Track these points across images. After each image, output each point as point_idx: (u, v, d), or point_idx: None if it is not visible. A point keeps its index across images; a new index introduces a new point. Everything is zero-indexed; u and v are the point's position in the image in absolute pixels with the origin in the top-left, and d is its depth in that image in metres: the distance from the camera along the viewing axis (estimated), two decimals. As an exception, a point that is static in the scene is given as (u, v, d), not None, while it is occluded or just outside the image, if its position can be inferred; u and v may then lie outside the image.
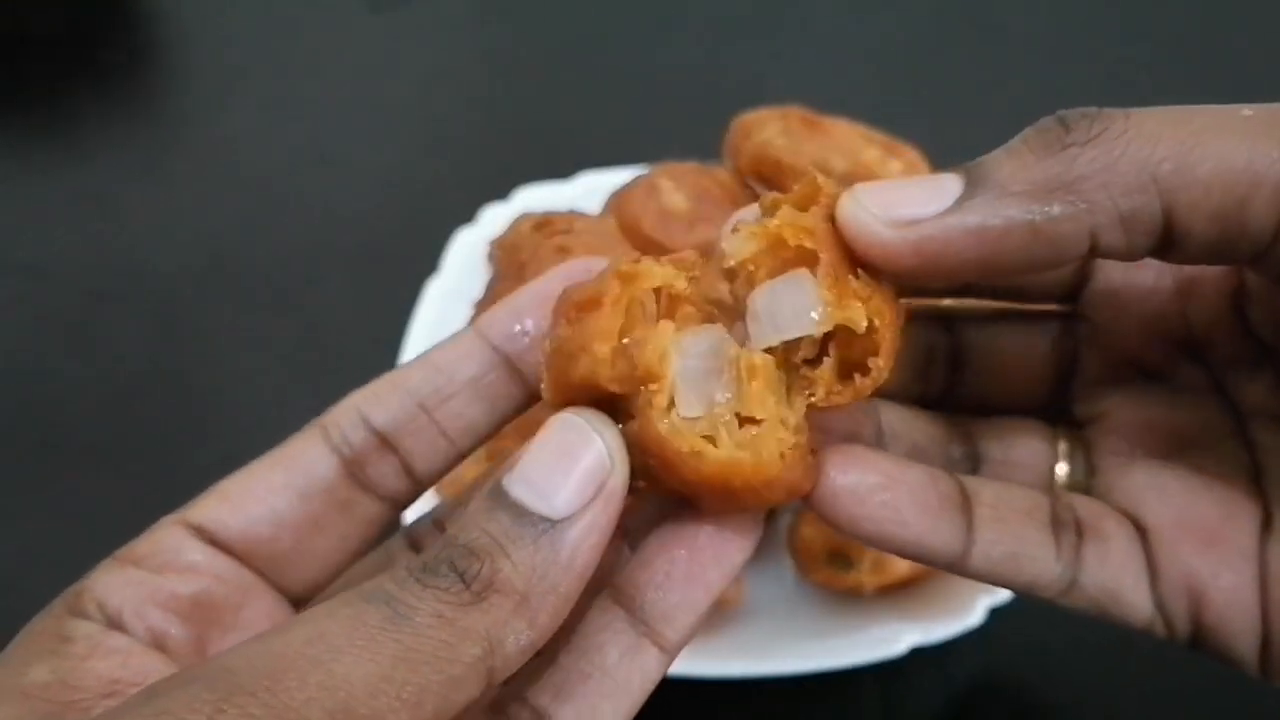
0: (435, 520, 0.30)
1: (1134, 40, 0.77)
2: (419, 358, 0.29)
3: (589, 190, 0.57)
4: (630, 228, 0.51)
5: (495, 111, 0.74)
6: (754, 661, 0.46)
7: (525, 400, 0.29)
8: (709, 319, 0.26)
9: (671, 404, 0.24)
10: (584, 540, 0.23)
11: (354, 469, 0.28)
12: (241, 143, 0.73)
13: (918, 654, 0.46)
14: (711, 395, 0.25)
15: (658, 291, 0.25)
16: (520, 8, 0.82)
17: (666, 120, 0.71)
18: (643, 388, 0.24)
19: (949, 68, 0.76)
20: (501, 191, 0.59)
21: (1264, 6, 0.79)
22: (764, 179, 0.53)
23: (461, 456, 0.29)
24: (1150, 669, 0.50)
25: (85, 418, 0.59)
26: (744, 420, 0.24)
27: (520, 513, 0.23)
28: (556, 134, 0.71)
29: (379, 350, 0.54)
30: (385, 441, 0.28)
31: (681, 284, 0.25)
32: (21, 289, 0.65)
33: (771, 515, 0.51)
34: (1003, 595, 0.46)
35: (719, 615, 0.47)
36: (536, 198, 0.58)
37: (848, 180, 0.54)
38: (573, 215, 0.52)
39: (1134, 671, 0.49)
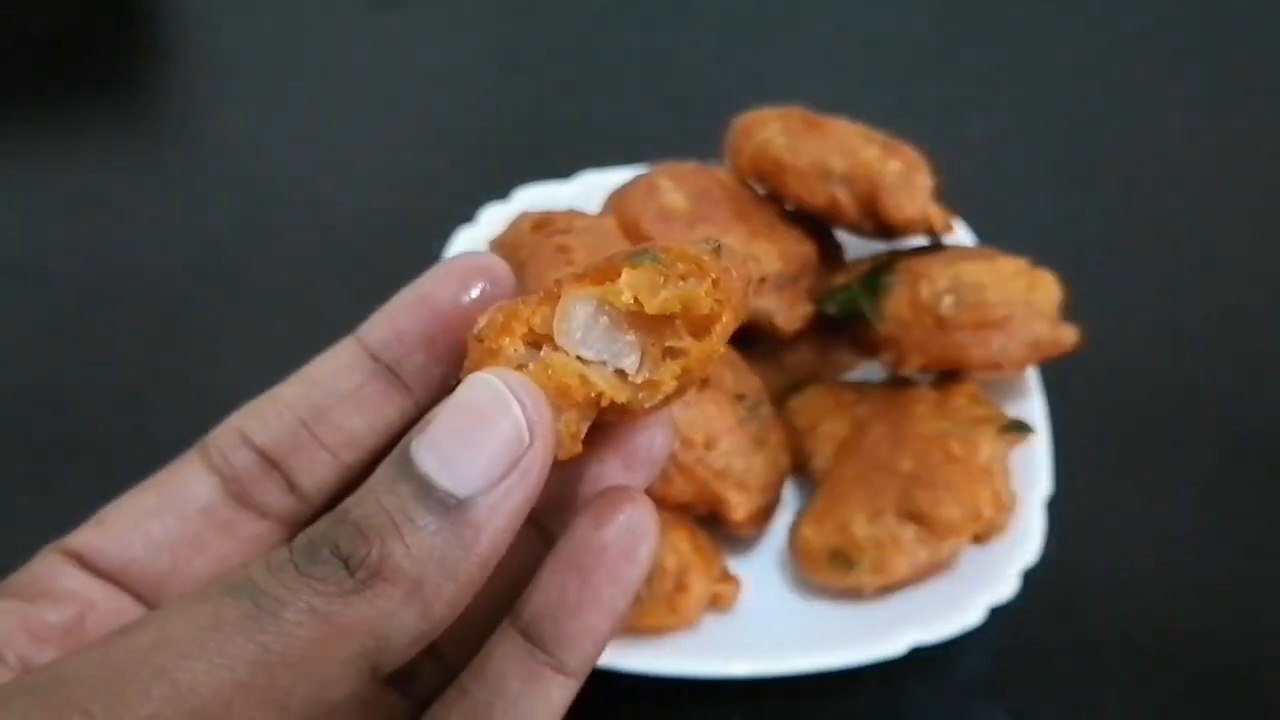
0: None
1: (1134, 40, 0.77)
2: (298, 373, 0.28)
3: (589, 190, 0.57)
4: (630, 227, 0.51)
5: (495, 111, 0.74)
6: (754, 661, 0.46)
7: (409, 408, 0.28)
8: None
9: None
10: (491, 523, 0.21)
11: (235, 489, 0.27)
12: (241, 143, 0.72)
13: (918, 653, 0.46)
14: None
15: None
16: (520, 7, 0.82)
17: (666, 120, 0.71)
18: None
19: (949, 68, 0.76)
20: (501, 191, 0.59)
21: (1264, 6, 0.79)
22: (764, 178, 0.53)
23: (348, 470, 0.28)
24: (1150, 669, 0.50)
25: (85, 417, 0.59)
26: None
27: (423, 486, 0.21)
28: (556, 133, 0.71)
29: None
30: (267, 459, 0.27)
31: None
32: (21, 289, 0.65)
33: (770, 517, 0.51)
34: (1003, 595, 0.46)
35: (718, 615, 0.47)
36: (536, 197, 0.58)
37: (848, 180, 0.54)
38: (572, 214, 0.52)
39: (1134, 671, 0.49)
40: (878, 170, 0.51)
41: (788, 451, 0.51)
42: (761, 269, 0.51)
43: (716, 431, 0.48)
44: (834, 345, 0.54)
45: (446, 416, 0.22)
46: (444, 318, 0.27)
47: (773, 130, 0.53)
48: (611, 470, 0.27)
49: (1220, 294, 0.63)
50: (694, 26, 0.79)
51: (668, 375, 0.24)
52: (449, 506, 0.21)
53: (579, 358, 0.24)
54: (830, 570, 0.47)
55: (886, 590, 0.47)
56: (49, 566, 0.26)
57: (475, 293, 0.27)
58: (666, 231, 0.51)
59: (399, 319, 0.27)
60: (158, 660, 0.20)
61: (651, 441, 0.27)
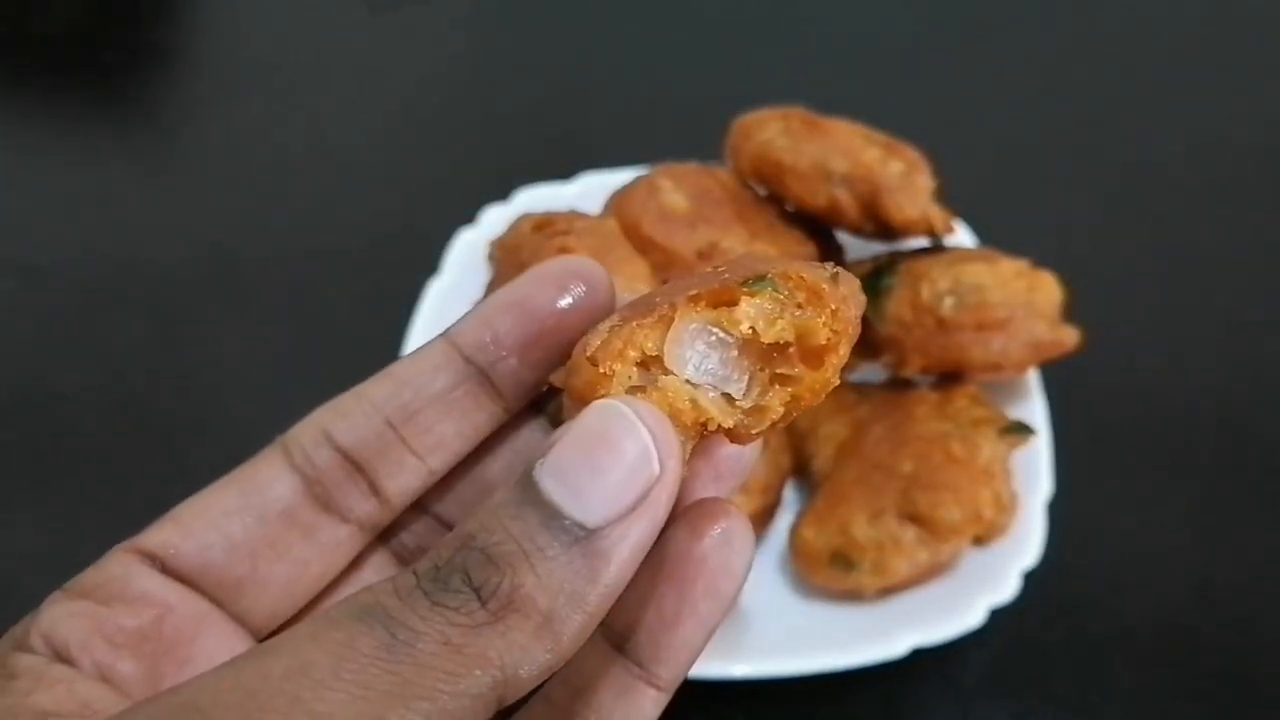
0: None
1: (1135, 41, 0.77)
2: (386, 371, 0.27)
3: (589, 191, 0.57)
4: (630, 228, 0.51)
5: (495, 112, 0.74)
6: (755, 663, 0.46)
7: (498, 413, 0.27)
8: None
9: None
10: (619, 553, 0.21)
11: (318, 490, 0.26)
12: (241, 143, 0.72)
13: (919, 655, 0.46)
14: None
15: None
16: (520, 8, 0.82)
17: (667, 121, 0.71)
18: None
19: (949, 68, 0.76)
20: (502, 192, 0.59)
21: (1265, 7, 0.79)
22: (764, 180, 0.53)
23: (434, 475, 0.27)
24: (1150, 669, 0.50)
25: (85, 418, 0.59)
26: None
27: (551, 514, 0.20)
28: (557, 135, 0.71)
29: (379, 351, 0.53)
30: (351, 461, 0.26)
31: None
32: (21, 289, 0.65)
33: (771, 518, 0.51)
34: (1004, 597, 0.46)
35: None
36: (537, 198, 0.58)
37: (849, 181, 0.54)
38: (573, 215, 0.52)
39: (1134, 671, 0.49)
40: (878, 171, 0.51)
41: (788, 453, 0.51)
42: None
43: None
44: (834, 346, 0.54)
45: (573, 442, 0.21)
46: (541, 322, 0.26)
47: (773, 131, 0.53)
48: (702, 480, 0.26)
49: (1220, 295, 0.63)
50: (695, 28, 0.79)
51: (777, 402, 0.23)
52: (577, 537, 0.20)
53: (689, 381, 0.23)
54: (831, 571, 0.47)
55: (887, 592, 0.47)
56: (122, 566, 0.25)
57: (572, 298, 0.26)
58: (667, 232, 0.51)
59: (494, 321, 0.26)
60: (293, 688, 0.19)
61: (740, 451, 0.26)
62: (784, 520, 0.50)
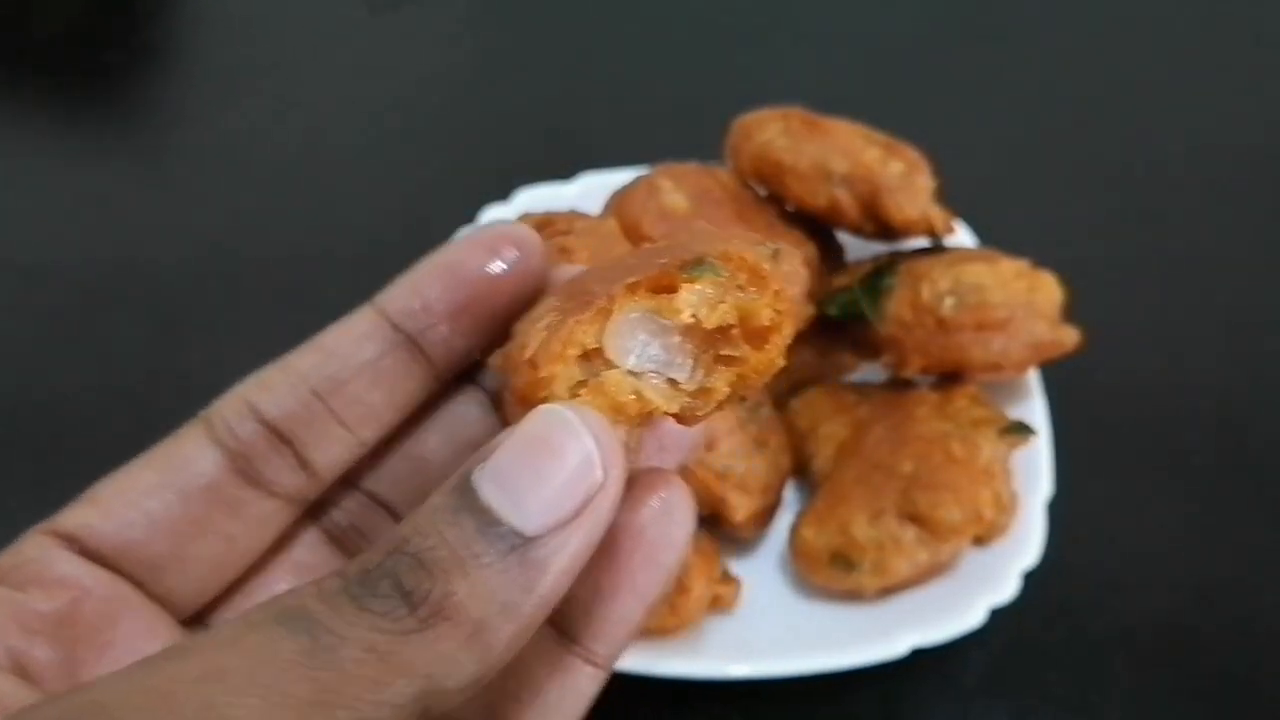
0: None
1: (1135, 41, 0.77)
2: (312, 341, 0.26)
3: (590, 191, 0.57)
4: (630, 228, 0.51)
5: (495, 112, 0.74)
6: (754, 662, 0.46)
7: (429, 382, 0.26)
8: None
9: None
10: (557, 563, 0.20)
11: (242, 465, 0.25)
12: (241, 143, 0.72)
13: (919, 655, 0.46)
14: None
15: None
16: (520, 8, 0.82)
17: (667, 121, 0.71)
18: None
19: (949, 68, 0.76)
20: (502, 192, 0.59)
21: (1264, 8, 0.79)
22: (765, 180, 0.53)
23: (364, 447, 0.26)
24: (1150, 669, 0.50)
25: (85, 418, 0.59)
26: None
27: (488, 520, 0.20)
28: (557, 135, 0.71)
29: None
30: (277, 434, 0.25)
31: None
32: (21, 289, 0.65)
33: (771, 518, 0.51)
34: (1004, 596, 0.46)
35: (719, 616, 0.47)
36: (537, 198, 0.58)
37: (849, 181, 0.54)
38: (573, 215, 0.52)
39: (1134, 671, 0.49)
40: (879, 171, 0.51)
41: (789, 453, 0.51)
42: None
43: (717, 433, 0.48)
44: (835, 347, 0.54)
45: (514, 447, 0.20)
46: (472, 288, 0.25)
47: (773, 131, 0.53)
48: (646, 452, 0.26)
49: (1220, 295, 0.63)
50: (694, 28, 0.79)
51: (721, 383, 0.23)
52: (514, 545, 0.19)
53: (631, 370, 0.23)
54: (831, 571, 0.47)
55: (887, 591, 0.47)
56: (38, 549, 0.24)
57: (504, 263, 0.25)
58: (667, 233, 0.51)
59: (424, 287, 0.26)
60: (207, 693, 0.18)
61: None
62: (784, 520, 0.50)
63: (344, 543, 0.27)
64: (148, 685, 0.18)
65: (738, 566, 0.49)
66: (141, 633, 0.24)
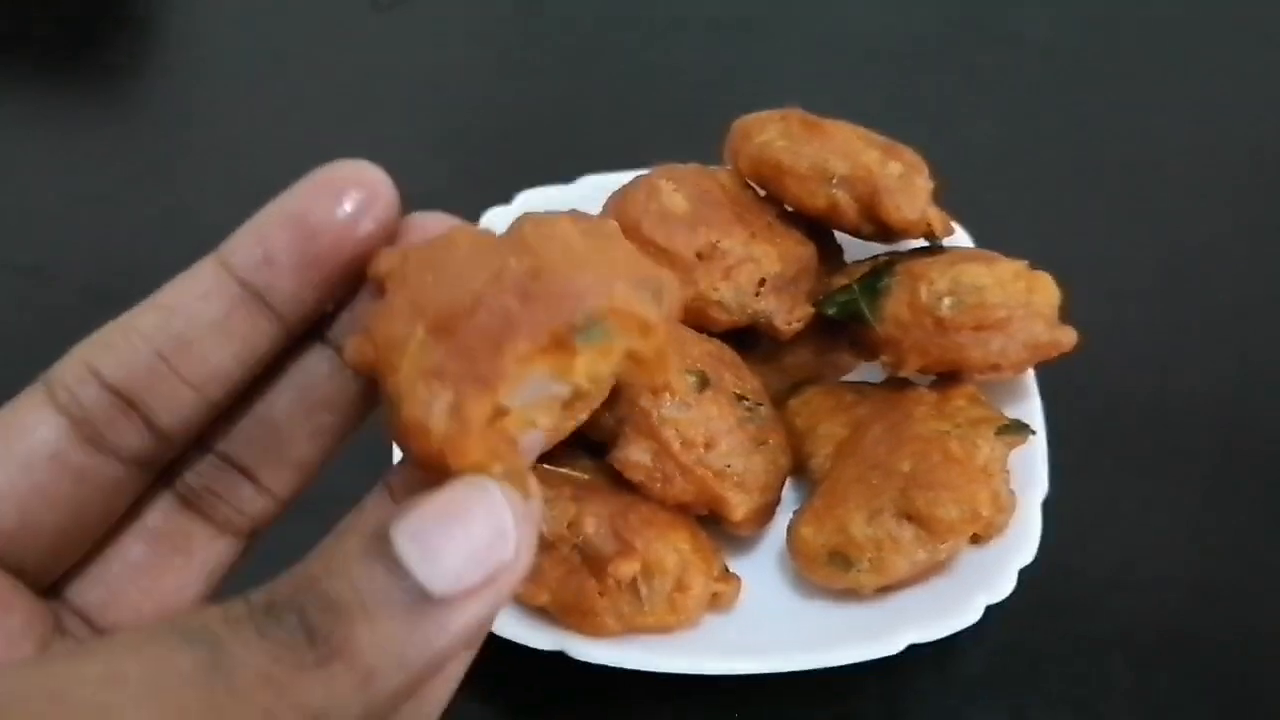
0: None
1: (1134, 41, 0.77)
2: (152, 299, 0.25)
3: (590, 192, 0.57)
4: (631, 229, 0.52)
5: (496, 114, 0.74)
6: (754, 660, 0.46)
7: (278, 336, 0.25)
8: None
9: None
10: (456, 626, 0.20)
11: (87, 431, 0.24)
12: (242, 143, 0.73)
13: (916, 652, 0.46)
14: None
15: None
16: (522, 9, 0.82)
17: (667, 123, 0.72)
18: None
19: (949, 70, 0.76)
20: (504, 194, 0.59)
21: (1265, 10, 0.79)
22: (764, 181, 0.54)
23: (213, 407, 0.25)
24: (1149, 669, 0.50)
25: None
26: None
27: (398, 574, 0.20)
28: (558, 137, 0.72)
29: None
30: (121, 397, 0.24)
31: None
32: (21, 289, 0.65)
33: (770, 517, 0.51)
34: (1001, 595, 0.47)
35: (718, 614, 0.48)
36: (538, 199, 0.58)
37: (848, 182, 0.55)
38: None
39: (1133, 671, 0.50)
40: (877, 173, 0.51)
41: (787, 452, 0.51)
42: (761, 271, 0.51)
43: (716, 432, 0.48)
44: (833, 347, 0.55)
45: (432, 509, 0.21)
46: (319, 238, 0.25)
47: (772, 133, 0.53)
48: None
49: (1219, 296, 0.63)
50: (694, 29, 0.79)
51: (605, 371, 0.24)
52: (418, 601, 0.20)
53: (526, 405, 0.24)
54: (829, 570, 0.47)
55: (885, 589, 0.47)
56: None
57: (351, 206, 0.25)
58: (667, 233, 0.51)
59: (269, 239, 0.25)
60: (104, 698, 0.18)
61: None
62: (783, 519, 0.50)
63: (198, 506, 0.27)
64: (44, 685, 0.18)
65: (736, 565, 0.49)
66: None
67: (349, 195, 0.25)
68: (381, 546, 0.20)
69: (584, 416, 0.25)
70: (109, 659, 0.19)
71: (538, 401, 0.24)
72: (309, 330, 0.27)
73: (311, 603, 0.20)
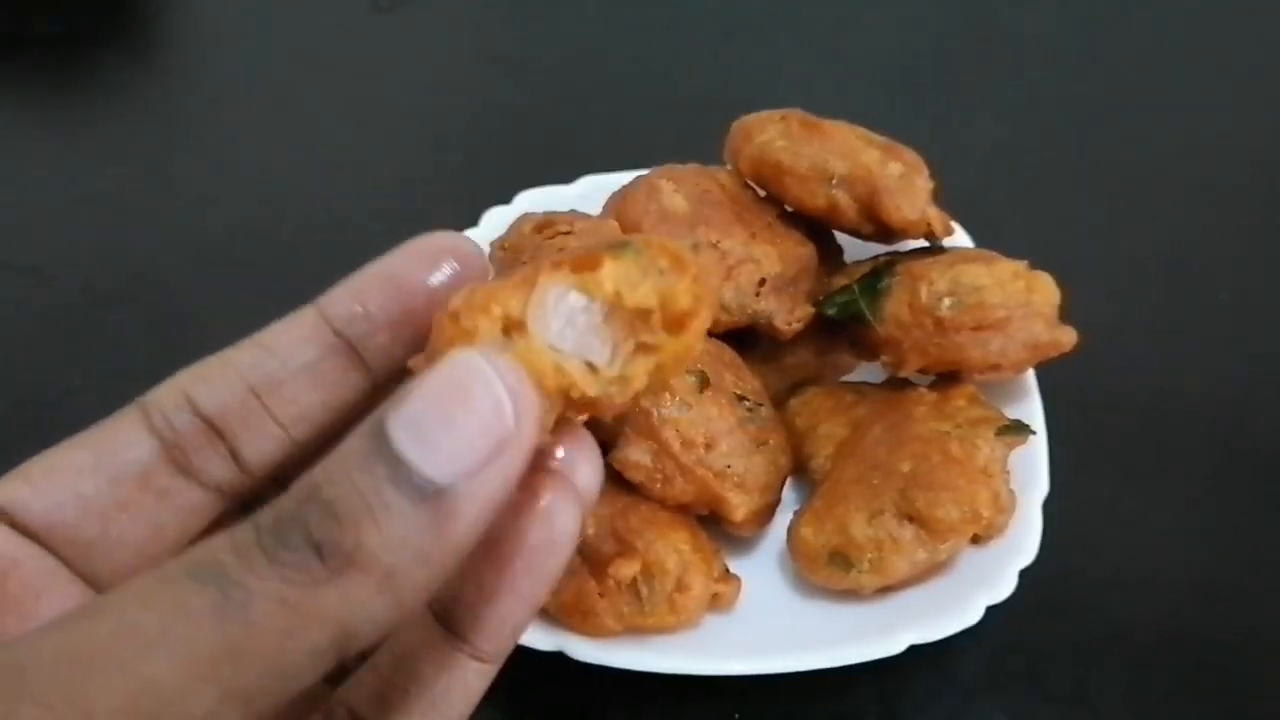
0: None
1: (1134, 42, 0.78)
2: (253, 338, 0.27)
3: (590, 192, 0.57)
4: (631, 229, 0.52)
5: (497, 114, 0.74)
6: (754, 661, 0.46)
7: (365, 387, 0.26)
8: None
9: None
10: (469, 510, 0.20)
11: (176, 454, 0.25)
12: (242, 143, 0.73)
13: (916, 653, 0.46)
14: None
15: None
16: (523, 10, 0.82)
17: (667, 124, 0.72)
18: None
19: (949, 70, 0.76)
20: (504, 194, 0.59)
21: (1264, 10, 0.79)
22: (764, 181, 0.54)
23: (296, 446, 0.26)
24: (1149, 669, 0.50)
25: (85, 418, 0.59)
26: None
27: (399, 468, 0.20)
28: (558, 137, 0.72)
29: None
30: (212, 426, 0.25)
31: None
32: (22, 289, 0.65)
33: (770, 517, 0.51)
34: (1001, 595, 0.47)
35: (718, 615, 0.48)
36: (538, 200, 0.58)
37: (848, 183, 0.55)
38: (574, 217, 0.52)
39: (1133, 671, 0.50)
40: (877, 173, 0.51)
41: (788, 452, 0.51)
42: (761, 271, 0.51)
43: (717, 432, 0.48)
44: (833, 347, 0.55)
45: (426, 393, 0.20)
46: (412, 298, 0.26)
47: (773, 133, 0.53)
48: (560, 444, 0.25)
49: (1218, 296, 0.63)
50: (695, 29, 0.79)
51: (640, 370, 0.23)
52: (426, 493, 0.20)
53: (551, 346, 0.23)
54: (829, 570, 0.47)
55: (885, 590, 0.47)
56: None
57: (445, 274, 0.26)
58: (667, 234, 0.51)
59: (366, 295, 0.26)
60: (119, 650, 0.18)
61: (593, 471, 0.25)
62: (783, 519, 0.50)
63: None
64: (62, 645, 0.19)
65: (737, 565, 0.49)
66: (65, 606, 0.25)
67: (445, 262, 0.26)
68: (379, 443, 0.20)
69: (608, 397, 0.23)
70: (121, 613, 0.19)
71: (564, 345, 0.23)
72: (394, 382, 0.27)
73: (315, 515, 0.19)
